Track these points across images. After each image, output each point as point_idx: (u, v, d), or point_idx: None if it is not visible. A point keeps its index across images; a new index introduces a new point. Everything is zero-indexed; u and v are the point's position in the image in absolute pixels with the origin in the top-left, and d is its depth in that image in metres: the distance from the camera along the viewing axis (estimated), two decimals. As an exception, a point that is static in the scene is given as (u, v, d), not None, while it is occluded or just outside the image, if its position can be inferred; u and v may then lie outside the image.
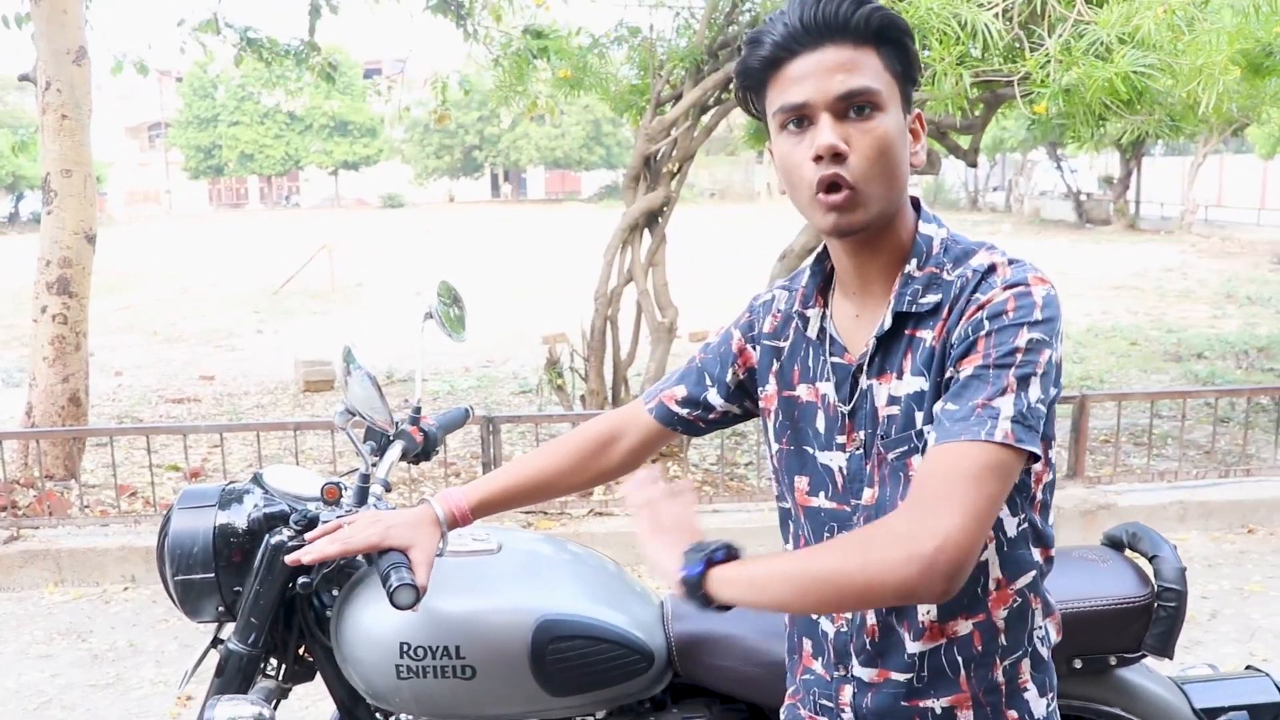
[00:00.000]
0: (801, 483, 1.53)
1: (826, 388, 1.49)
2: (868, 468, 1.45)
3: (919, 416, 1.38)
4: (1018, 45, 4.09)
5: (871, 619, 1.47)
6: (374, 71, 50.07)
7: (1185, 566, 1.97)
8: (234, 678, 1.91)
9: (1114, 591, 1.93)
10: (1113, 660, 1.94)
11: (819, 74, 1.34)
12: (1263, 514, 5.35)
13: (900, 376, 1.40)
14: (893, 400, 1.41)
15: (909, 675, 1.45)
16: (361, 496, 1.88)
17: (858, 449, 1.45)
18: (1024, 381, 1.29)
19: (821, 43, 1.34)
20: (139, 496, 5.70)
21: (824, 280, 1.53)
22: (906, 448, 1.39)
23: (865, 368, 1.44)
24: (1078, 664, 1.92)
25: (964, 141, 5.61)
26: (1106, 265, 18.46)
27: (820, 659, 1.55)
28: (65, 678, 4.07)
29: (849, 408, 1.45)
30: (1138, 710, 1.96)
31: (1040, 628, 1.51)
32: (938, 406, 1.33)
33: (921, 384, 1.38)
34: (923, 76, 4.45)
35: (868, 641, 1.47)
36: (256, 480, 2.00)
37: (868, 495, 1.45)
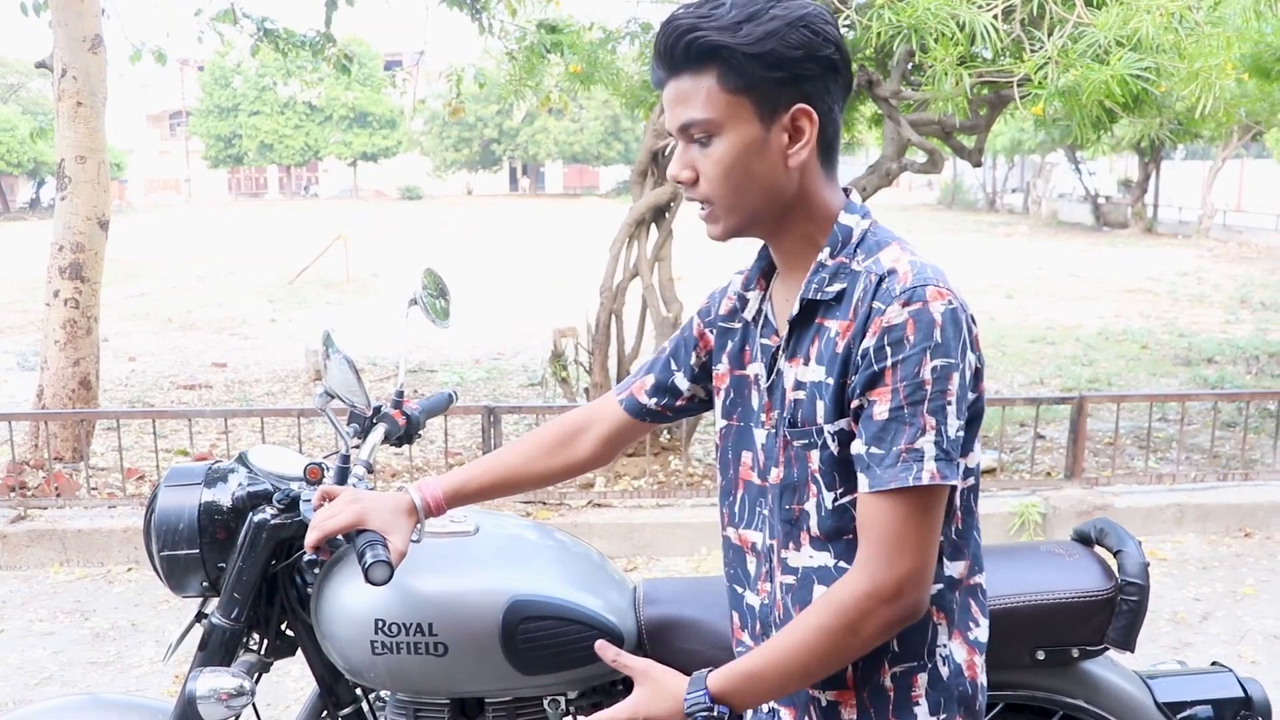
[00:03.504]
0: (746, 458, 1.60)
1: (757, 367, 1.57)
2: (778, 446, 1.52)
3: (820, 407, 1.45)
4: (1019, 46, 4.11)
5: (778, 595, 1.54)
6: (394, 63, 50.17)
7: (1149, 562, 1.99)
8: (216, 651, 1.97)
9: (1078, 585, 1.96)
10: (1075, 652, 1.97)
11: (670, 105, 1.45)
12: (1260, 518, 5.36)
13: (806, 363, 1.47)
14: (799, 385, 1.48)
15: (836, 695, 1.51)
16: (342, 476, 1.93)
17: (773, 428, 1.53)
18: (939, 414, 1.36)
19: (669, 76, 1.44)
20: (146, 480, 5.78)
21: (769, 266, 1.60)
22: (808, 441, 1.47)
23: (781, 349, 1.52)
24: (1040, 655, 1.96)
25: (969, 141, 5.62)
26: (1122, 268, 18.41)
27: (747, 630, 1.63)
28: (66, 655, 4.14)
29: (767, 385, 1.54)
30: (1100, 703, 1.99)
31: (944, 646, 1.50)
32: (859, 446, 1.39)
33: (823, 375, 1.45)
34: (924, 77, 4.48)
35: (775, 617, 1.55)
36: (242, 460, 2.05)
37: (774, 474, 1.53)
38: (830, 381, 1.43)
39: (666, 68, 1.44)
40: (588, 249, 16.92)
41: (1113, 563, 2.01)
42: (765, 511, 1.56)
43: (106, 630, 4.37)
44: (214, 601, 2.00)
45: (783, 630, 1.45)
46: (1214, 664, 2.16)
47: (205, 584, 1.99)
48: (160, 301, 15.14)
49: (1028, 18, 4.07)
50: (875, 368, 1.37)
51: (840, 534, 1.47)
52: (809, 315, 1.48)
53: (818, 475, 1.47)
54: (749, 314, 1.60)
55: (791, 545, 1.51)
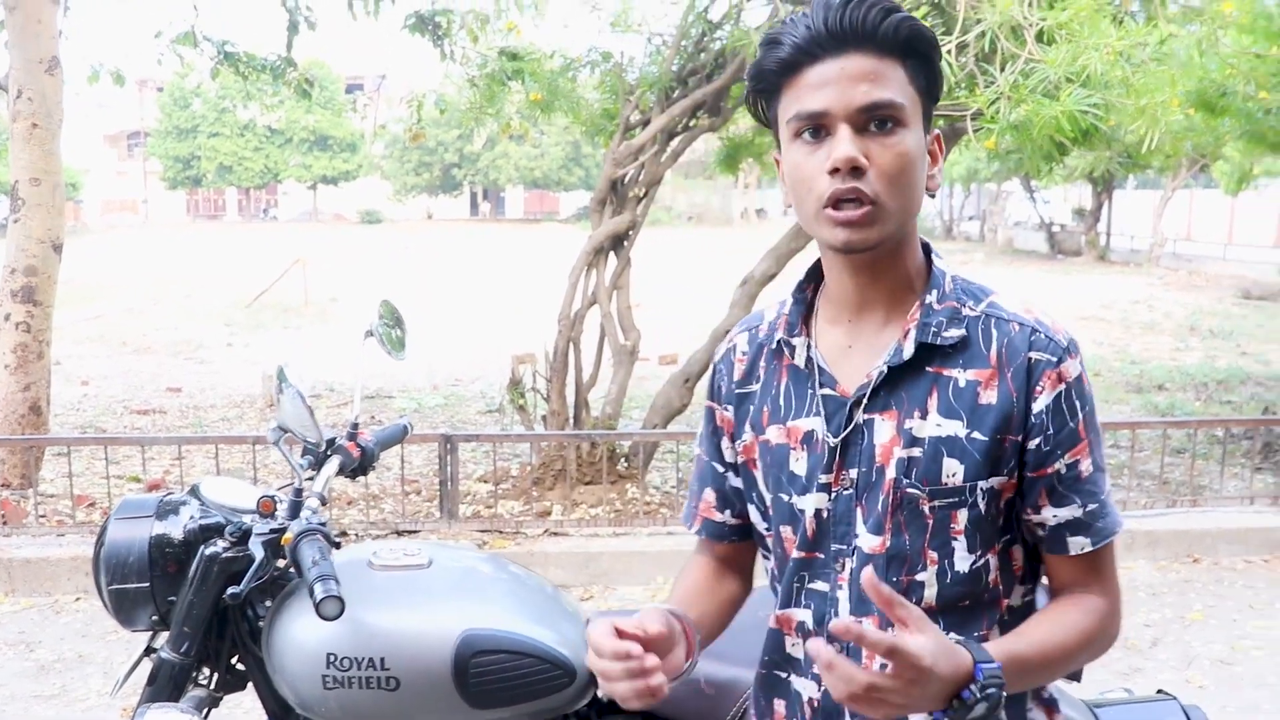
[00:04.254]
0: (786, 532, 1.45)
1: (814, 423, 1.40)
2: (858, 510, 1.38)
3: (950, 464, 1.33)
4: (974, 81, 4.19)
5: None
6: (356, 87, 50.18)
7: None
8: (165, 686, 1.95)
9: (1027, 616, 1.98)
10: (1024, 683, 1.99)
11: (841, 82, 1.27)
12: (1208, 544, 5.45)
13: (924, 416, 1.34)
14: (913, 441, 1.34)
15: None
16: (295, 509, 1.92)
17: (846, 489, 1.38)
18: None
19: (845, 50, 1.27)
20: (97, 507, 5.70)
21: (806, 309, 1.45)
22: (956, 500, 1.34)
23: (864, 401, 1.36)
24: (989, 686, 1.97)
25: (924, 173, 5.70)
26: (1076, 296, 18.66)
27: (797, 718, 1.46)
28: (10, 688, 4.07)
29: (838, 441, 1.37)
30: (1049, 732, 2.01)
31: (1031, 709, 1.44)
32: (1071, 512, 1.35)
33: (958, 429, 1.33)
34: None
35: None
36: (194, 492, 2.04)
37: (873, 542, 1.37)
38: (978, 436, 1.32)
39: (845, 40, 1.26)
40: (547, 275, 16.92)
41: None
42: (820, 587, 1.41)
43: (52, 662, 4.30)
44: (163, 635, 1.98)
45: (1041, 624, 1.35)
46: (1159, 692, 2.19)
47: (155, 618, 1.98)
48: (115, 324, 14.97)
49: (981, 53, 4.14)
50: (1070, 424, 1.33)
51: (960, 601, 1.37)
52: (917, 364, 1.34)
53: (960, 537, 1.35)
54: (799, 361, 1.43)
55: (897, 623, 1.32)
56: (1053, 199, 32.79)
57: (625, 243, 5.90)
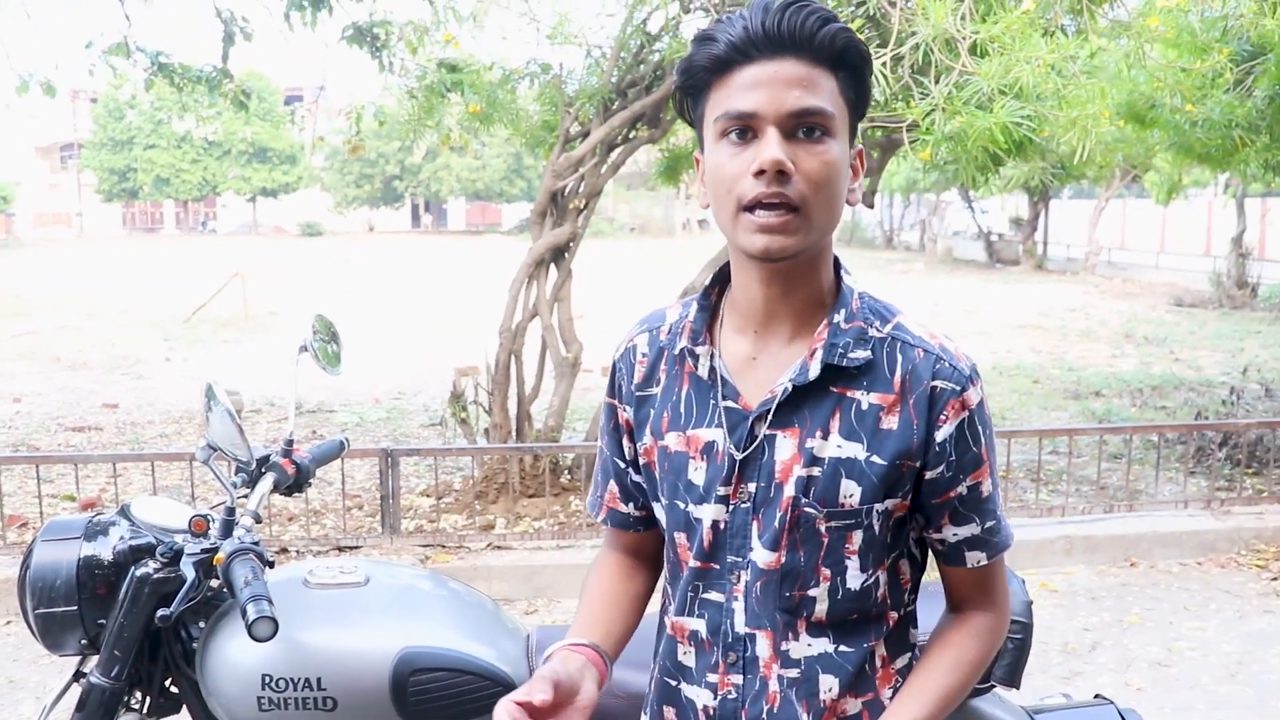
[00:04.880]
0: (681, 539, 1.44)
1: (715, 434, 1.39)
2: (754, 524, 1.37)
3: (848, 485, 1.33)
4: (909, 92, 4.24)
5: (774, 686, 1.39)
6: (295, 98, 49.58)
7: (1032, 600, 2.05)
8: (95, 712, 1.91)
9: (964, 623, 2.00)
10: (963, 690, 2.01)
11: (774, 85, 1.25)
12: (1144, 548, 5.54)
13: (826, 436, 1.33)
14: (814, 460, 1.33)
15: None
16: (227, 529, 1.89)
17: (744, 502, 1.37)
18: None
19: (780, 54, 1.26)
20: (29, 527, 5.58)
21: (711, 317, 1.43)
22: (852, 521, 1.35)
23: (770, 416, 1.35)
24: (929, 694, 1.99)
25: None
26: (1014, 304, 18.94)
27: None
28: (-60, 714, 3.96)
29: (742, 457, 1.36)
30: (988, 740, 2.03)
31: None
32: (971, 529, 1.41)
33: (858, 451, 1.33)
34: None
35: (764, 710, 1.40)
36: (124, 512, 2.00)
37: (767, 558, 1.37)
38: (874, 459, 1.33)
39: (781, 45, 1.25)
40: (489, 287, 16.88)
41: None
42: (715, 597, 1.41)
43: (-17, 687, 4.20)
44: (93, 659, 1.94)
45: (933, 670, 1.41)
46: (1096, 696, 2.22)
47: (84, 641, 1.94)
48: (49, 340, 14.66)
49: (915, 65, 4.19)
50: (974, 450, 1.37)
51: (848, 616, 1.39)
52: (822, 383, 1.33)
53: (853, 557, 1.36)
54: (702, 371, 1.41)
55: (791, 636, 1.38)
56: (990, 209, 33.29)
57: (566, 254, 5.89)
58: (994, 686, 2.03)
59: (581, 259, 6.08)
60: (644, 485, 1.52)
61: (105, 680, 1.90)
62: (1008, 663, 1.99)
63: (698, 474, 1.39)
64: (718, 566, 1.40)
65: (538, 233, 5.87)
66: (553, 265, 5.88)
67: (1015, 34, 3.95)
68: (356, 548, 5.27)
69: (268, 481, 2.03)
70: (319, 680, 1.80)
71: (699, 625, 1.43)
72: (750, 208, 1.27)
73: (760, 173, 1.25)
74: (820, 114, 1.26)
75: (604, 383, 1.60)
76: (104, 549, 1.92)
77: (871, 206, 5.66)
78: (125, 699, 1.96)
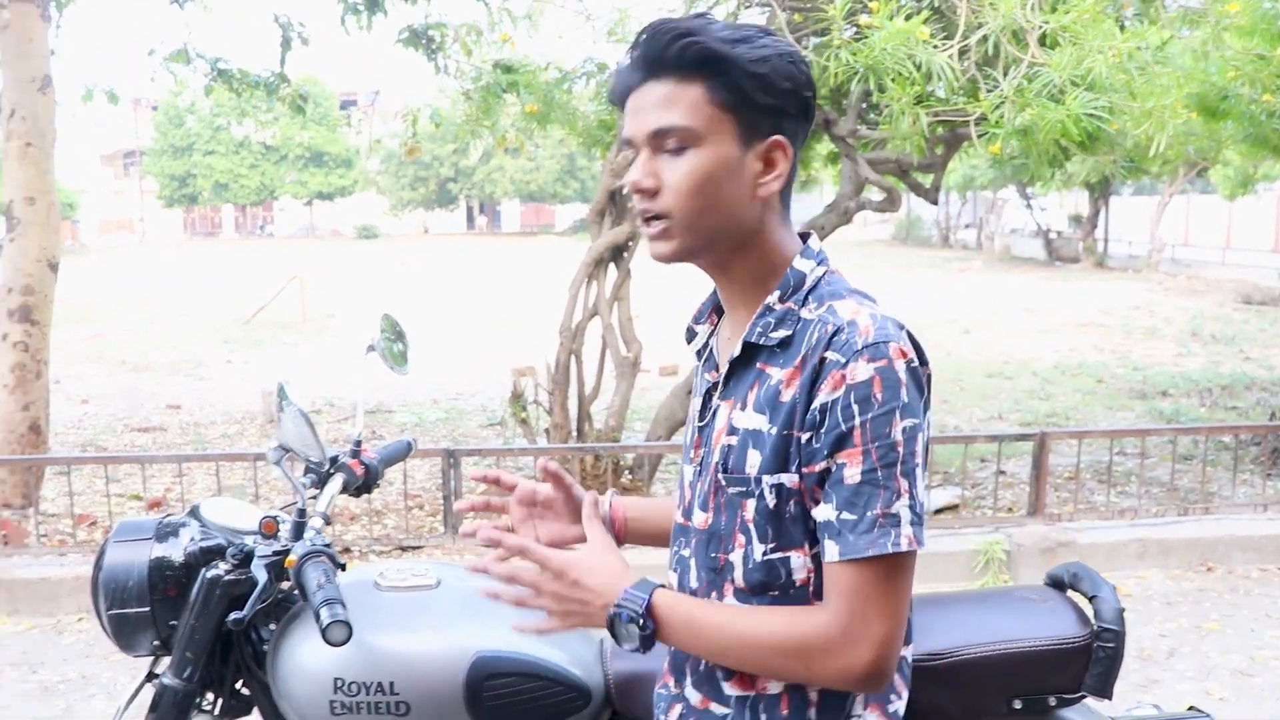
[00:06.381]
0: (677, 497, 1.59)
1: (698, 401, 1.54)
2: (701, 487, 1.48)
3: (753, 456, 1.39)
4: (975, 86, 4.15)
5: None
6: (350, 103, 50.20)
7: (1124, 607, 1.97)
8: (168, 713, 1.90)
9: (1053, 631, 1.93)
10: (1052, 701, 1.93)
11: (640, 110, 1.38)
12: (1221, 552, 5.39)
13: (744, 408, 1.42)
14: (733, 429, 1.42)
15: (726, 711, 1.47)
16: (298, 530, 1.87)
17: (698, 466, 1.49)
18: (910, 476, 1.33)
19: (648, 78, 1.37)
20: (98, 526, 5.65)
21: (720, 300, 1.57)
22: (744, 489, 1.41)
23: (718, 388, 1.48)
24: (1017, 704, 1.92)
25: (926, 179, 5.66)
26: (1074, 302, 18.64)
27: (673, 675, 1.57)
28: (13, 710, 4.01)
29: (701, 424, 1.50)
30: (1078, 750, 1.95)
31: (859, 716, 1.45)
32: (828, 512, 1.33)
33: (762, 423, 1.39)
34: (881, 116, 4.51)
35: (701, 662, 1.49)
36: (194, 513, 1.99)
37: (700, 518, 1.48)
38: (771, 431, 1.37)
39: (647, 69, 1.37)
40: (545, 287, 16.93)
41: (1087, 608, 1.99)
42: (685, 553, 1.52)
43: (56, 683, 4.24)
44: (165, 661, 1.93)
45: (744, 611, 1.40)
46: (1191, 709, 2.13)
47: (156, 643, 1.93)
48: (114, 343, 14.91)
49: (983, 57, 4.10)
50: (843, 427, 1.31)
51: (766, 589, 1.42)
52: (749, 359, 1.43)
53: (750, 526, 1.41)
54: (696, 345, 1.57)
55: (714, 595, 1.46)
56: (1049, 206, 32.80)
57: (625, 254, 5.85)
58: (1084, 696, 1.96)
59: (639, 259, 6.04)
60: None
61: (178, 682, 1.89)
62: (1099, 672, 1.92)
63: (689, 438, 1.55)
64: (687, 524, 1.52)
65: (596, 232, 5.84)
66: (612, 264, 5.85)
67: (1086, 23, 3.85)
68: (418, 547, 5.27)
69: (337, 482, 2.01)
70: (391, 684, 1.77)
71: (674, 579, 1.56)
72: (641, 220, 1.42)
73: (634, 191, 1.40)
74: (673, 130, 1.36)
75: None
76: (175, 550, 1.91)
77: (935, 203, 5.57)
78: (198, 700, 1.95)
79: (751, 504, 1.40)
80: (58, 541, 5.40)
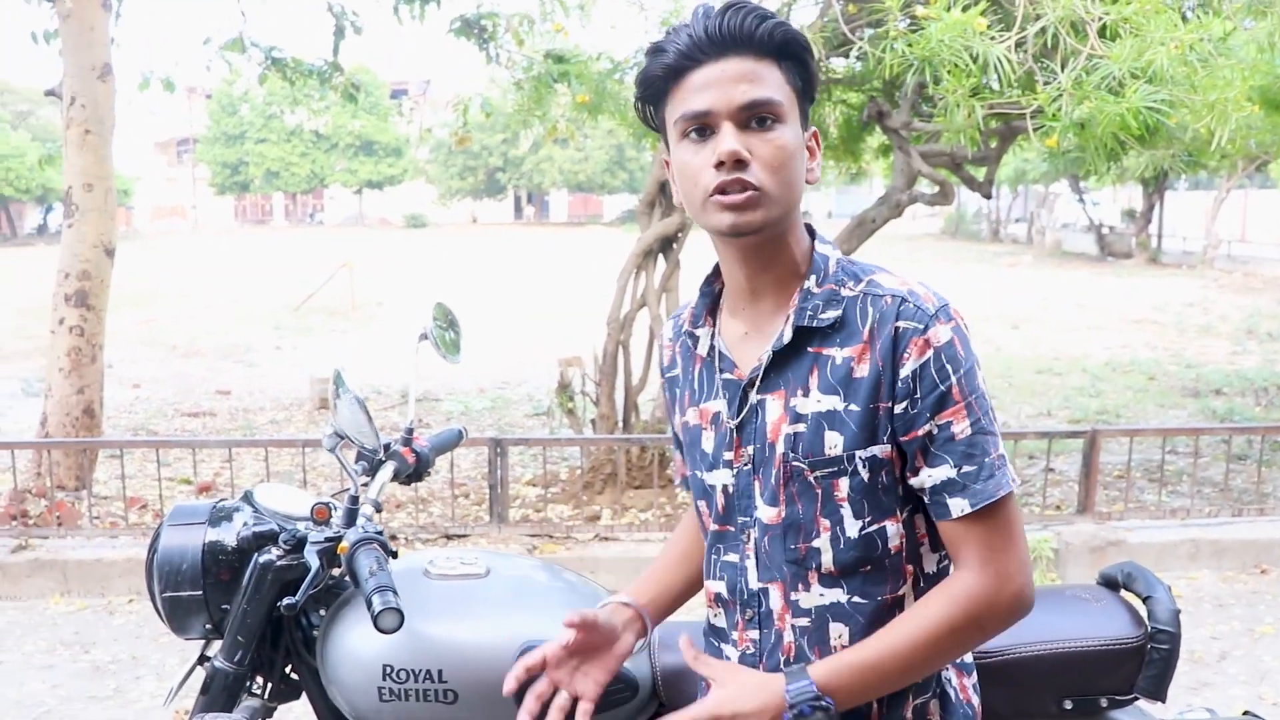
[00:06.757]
0: (703, 506, 1.59)
1: (719, 405, 1.53)
2: (756, 484, 1.49)
3: (832, 436, 1.42)
4: (1032, 78, 4.09)
5: (789, 637, 1.50)
6: (400, 92, 50.47)
7: (1179, 609, 1.94)
8: (219, 695, 1.92)
9: (1107, 632, 1.90)
10: (1104, 702, 1.91)
11: (722, 83, 1.37)
12: (1276, 554, 5.28)
13: (807, 394, 1.43)
14: (798, 417, 1.43)
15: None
16: (350, 517, 1.88)
17: (745, 465, 1.49)
18: (997, 422, 1.44)
19: (725, 54, 1.38)
20: (149, 509, 5.73)
21: (713, 301, 1.58)
22: (835, 469, 1.43)
23: (757, 383, 1.47)
24: (1068, 705, 1.89)
25: (979, 173, 5.59)
26: (1127, 299, 18.37)
27: None
28: (66, 688, 4.08)
29: (736, 422, 1.49)
30: (1130, 754, 1.93)
31: (945, 670, 1.54)
32: (945, 471, 1.40)
33: (835, 403, 1.42)
34: (935, 108, 4.45)
35: (781, 661, 1.50)
36: (247, 498, 2.00)
37: (770, 514, 1.48)
38: (851, 408, 1.41)
39: (724, 46, 1.37)
40: (592, 278, 16.94)
41: (1141, 608, 1.95)
42: (732, 558, 1.54)
43: (107, 663, 4.31)
44: (217, 644, 1.95)
45: (894, 625, 1.42)
46: (1246, 714, 2.09)
47: (208, 626, 1.94)
48: (165, 328, 15.13)
49: (1040, 49, 4.04)
50: (941, 388, 1.38)
51: (859, 566, 1.46)
52: (798, 345, 1.44)
53: (844, 505, 1.44)
54: (702, 350, 1.56)
55: (801, 586, 1.48)
56: (1102, 200, 32.32)
57: (674, 245, 5.84)
58: (1136, 698, 1.93)
59: (689, 250, 6.03)
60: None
61: (229, 665, 1.90)
62: (1153, 674, 1.89)
63: (708, 443, 1.54)
64: (732, 529, 1.53)
65: (646, 223, 5.83)
66: (661, 256, 5.84)
67: (1147, 14, 3.78)
68: (464, 536, 5.30)
69: (388, 470, 2.02)
70: (440, 672, 1.78)
71: (720, 587, 1.57)
72: (714, 193, 1.40)
73: (720, 164, 1.38)
74: (768, 104, 1.38)
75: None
76: (228, 535, 1.93)
77: (989, 197, 5.51)
78: (247, 684, 1.97)
79: (845, 482, 1.43)
80: (110, 524, 5.48)
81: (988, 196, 5.60)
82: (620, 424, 5.88)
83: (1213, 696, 3.89)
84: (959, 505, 1.40)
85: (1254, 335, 13.86)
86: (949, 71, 3.80)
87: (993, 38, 3.81)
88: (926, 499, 1.44)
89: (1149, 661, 1.89)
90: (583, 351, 6.83)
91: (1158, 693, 1.90)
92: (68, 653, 4.42)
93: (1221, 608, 4.82)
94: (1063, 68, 3.94)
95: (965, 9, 3.66)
